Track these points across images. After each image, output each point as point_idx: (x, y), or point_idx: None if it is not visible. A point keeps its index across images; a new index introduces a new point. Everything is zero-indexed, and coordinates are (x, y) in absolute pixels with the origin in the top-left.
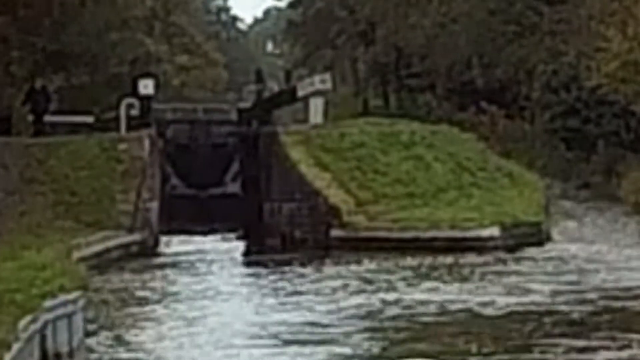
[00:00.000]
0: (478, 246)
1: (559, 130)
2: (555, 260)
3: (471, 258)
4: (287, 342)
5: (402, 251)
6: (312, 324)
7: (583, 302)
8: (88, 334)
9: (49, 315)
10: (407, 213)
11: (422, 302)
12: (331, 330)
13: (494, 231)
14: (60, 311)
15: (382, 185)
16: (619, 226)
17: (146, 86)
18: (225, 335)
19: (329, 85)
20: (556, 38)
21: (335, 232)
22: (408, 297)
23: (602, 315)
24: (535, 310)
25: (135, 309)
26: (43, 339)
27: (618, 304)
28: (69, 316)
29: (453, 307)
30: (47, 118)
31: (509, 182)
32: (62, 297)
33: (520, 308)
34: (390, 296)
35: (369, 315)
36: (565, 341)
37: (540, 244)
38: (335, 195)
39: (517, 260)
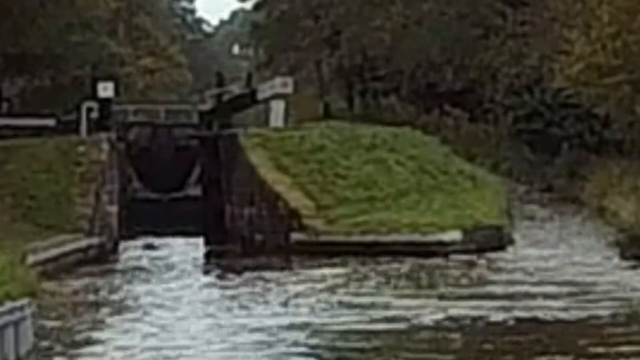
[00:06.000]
0: (439, 250)
1: (523, 132)
2: (515, 265)
3: (431, 263)
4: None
5: (362, 255)
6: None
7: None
8: (38, 341)
9: None
10: (368, 217)
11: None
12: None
13: (456, 235)
14: (6, 319)
15: (343, 188)
16: (581, 230)
17: (105, 89)
18: (176, 341)
19: (290, 88)
20: (519, 40)
21: (295, 236)
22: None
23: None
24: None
25: (88, 316)
26: None
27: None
28: (16, 323)
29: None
30: (7, 121)
31: (472, 186)
32: (9, 305)
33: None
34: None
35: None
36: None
37: (502, 247)
38: (296, 199)
39: (476, 265)
